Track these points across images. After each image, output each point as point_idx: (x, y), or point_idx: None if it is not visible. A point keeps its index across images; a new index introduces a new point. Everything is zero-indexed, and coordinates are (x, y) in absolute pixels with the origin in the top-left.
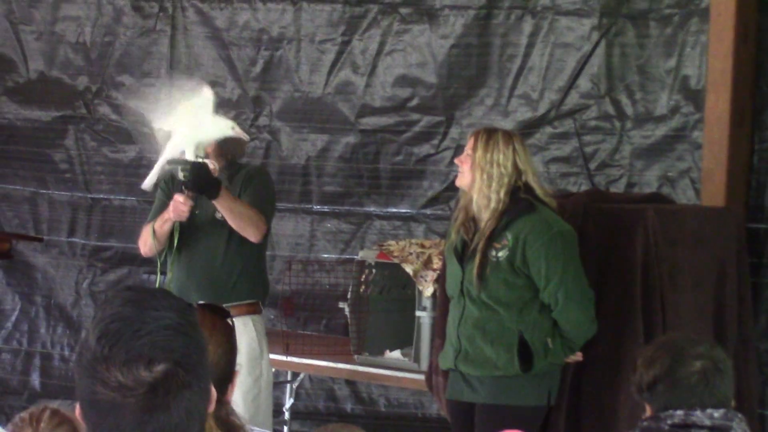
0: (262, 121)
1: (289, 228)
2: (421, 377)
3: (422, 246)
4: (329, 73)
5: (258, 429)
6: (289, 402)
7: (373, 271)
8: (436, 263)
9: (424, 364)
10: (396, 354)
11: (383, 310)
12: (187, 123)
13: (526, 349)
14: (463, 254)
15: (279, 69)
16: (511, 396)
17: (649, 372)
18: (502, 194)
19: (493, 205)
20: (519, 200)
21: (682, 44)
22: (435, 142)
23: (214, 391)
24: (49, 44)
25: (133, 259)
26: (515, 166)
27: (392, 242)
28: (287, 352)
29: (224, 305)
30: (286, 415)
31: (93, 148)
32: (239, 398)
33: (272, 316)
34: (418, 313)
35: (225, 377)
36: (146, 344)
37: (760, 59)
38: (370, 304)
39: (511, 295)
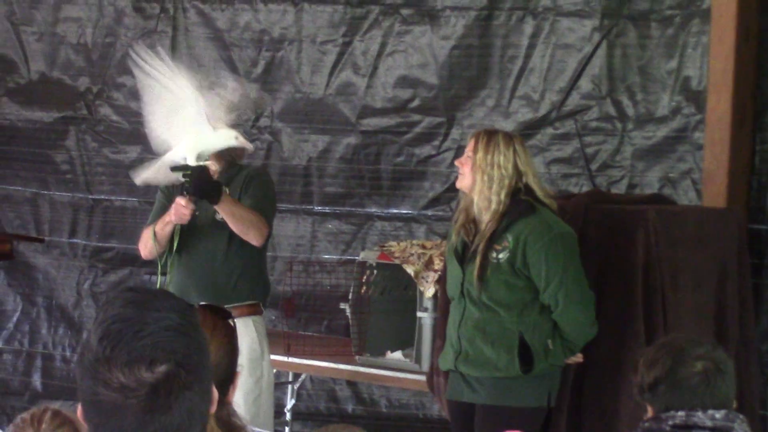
0: (263, 122)
1: (290, 229)
2: (423, 378)
3: (423, 247)
4: (330, 74)
5: (259, 430)
6: (290, 403)
7: (374, 272)
8: (438, 264)
9: (426, 365)
10: (397, 355)
11: (384, 311)
12: (189, 132)
13: (526, 350)
14: (463, 256)
15: (280, 70)
16: (511, 397)
17: (651, 373)
18: (502, 196)
19: (493, 206)
20: (519, 202)
21: (683, 45)
22: (436, 143)
23: (215, 392)
24: (50, 45)
25: (134, 259)
26: (516, 167)
27: (393, 243)
28: (288, 353)
29: (225, 306)
30: (288, 416)
31: (94, 149)
32: (240, 399)
33: (273, 317)
34: (419, 314)
35: (226, 378)
36: (148, 345)
37: (761, 60)
38: (371, 305)
39: (512, 296)
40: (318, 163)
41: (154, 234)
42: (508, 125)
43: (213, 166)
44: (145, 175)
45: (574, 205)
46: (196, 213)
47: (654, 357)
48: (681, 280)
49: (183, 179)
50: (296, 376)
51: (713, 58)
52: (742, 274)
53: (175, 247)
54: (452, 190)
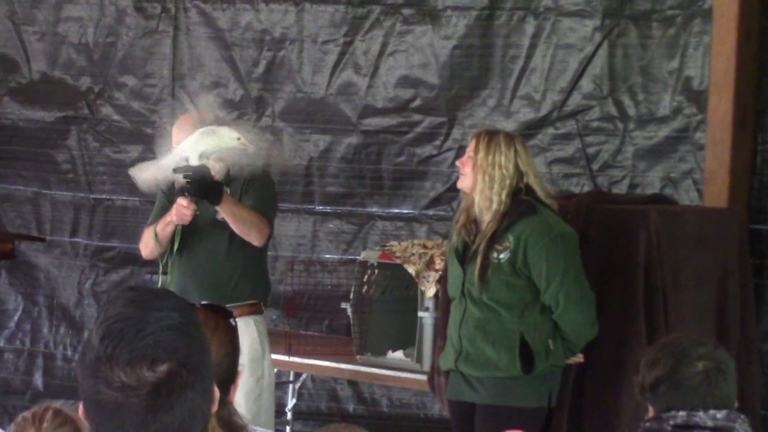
0: (265, 121)
1: (292, 228)
2: (424, 378)
3: (424, 247)
4: (331, 73)
5: (260, 429)
6: (291, 402)
7: (376, 271)
8: (439, 264)
9: (427, 365)
10: (398, 354)
11: (385, 310)
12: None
13: (527, 350)
14: (464, 256)
15: (281, 70)
16: (511, 397)
17: (652, 373)
18: (503, 196)
19: (494, 207)
20: (520, 202)
21: (684, 45)
22: (437, 142)
23: (216, 391)
24: (51, 45)
25: (135, 259)
26: (517, 167)
27: (394, 243)
28: (289, 353)
29: (226, 306)
30: (289, 416)
31: (95, 148)
32: (241, 398)
33: (274, 317)
34: (420, 314)
35: (227, 377)
36: (149, 344)
37: (763, 60)
38: (372, 304)
39: (513, 296)
40: (319, 163)
41: (155, 234)
42: (509, 125)
43: (214, 167)
44: (145, 176)
45: (575, 205)
46: (197, 213)
47: (655, 357)
48: (682, 280)
49: (184, 180)
50: (297, 375)
51: (715, 58)
52: (743, 274)
53: (176, 248)
54: (453, 190)
